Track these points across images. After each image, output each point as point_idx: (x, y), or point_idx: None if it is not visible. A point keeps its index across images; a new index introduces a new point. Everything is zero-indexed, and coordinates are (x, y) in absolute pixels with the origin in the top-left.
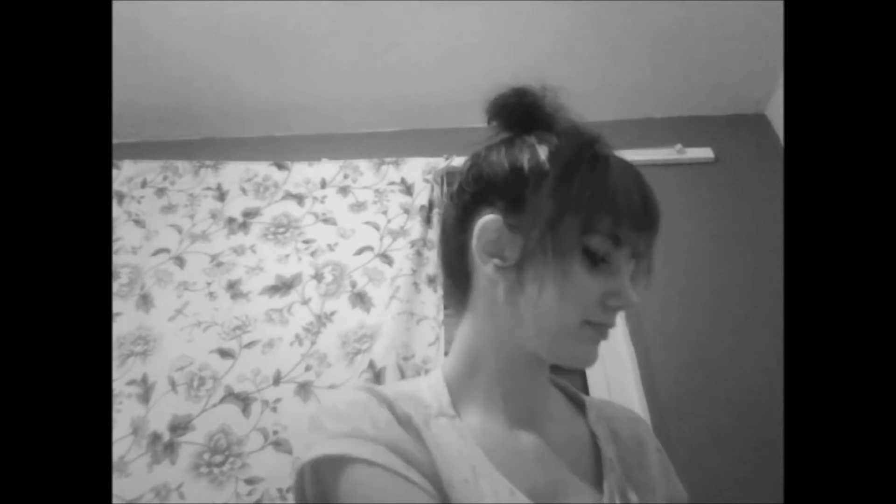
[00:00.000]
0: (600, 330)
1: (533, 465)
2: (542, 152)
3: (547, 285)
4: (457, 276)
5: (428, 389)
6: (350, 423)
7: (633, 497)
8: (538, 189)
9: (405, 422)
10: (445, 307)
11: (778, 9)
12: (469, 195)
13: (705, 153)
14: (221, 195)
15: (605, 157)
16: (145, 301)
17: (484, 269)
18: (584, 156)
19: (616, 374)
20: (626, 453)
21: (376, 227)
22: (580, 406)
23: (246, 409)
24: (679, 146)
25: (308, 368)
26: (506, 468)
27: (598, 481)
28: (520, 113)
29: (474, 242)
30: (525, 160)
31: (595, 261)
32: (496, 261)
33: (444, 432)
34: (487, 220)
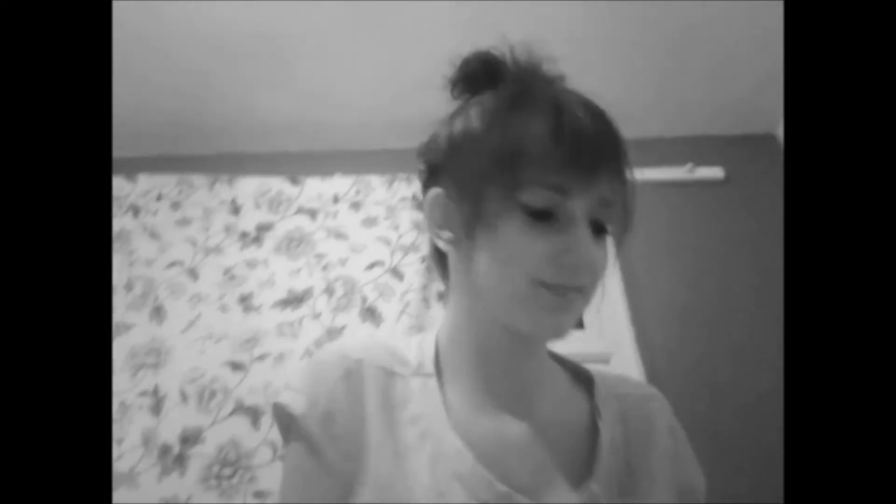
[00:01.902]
0: (560, 293)
1: (515, 454)
2: (475, 112)
3: (486, 251)
4: (434, 254)
5: (416, 347)
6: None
7: (628, 483)
8: (467, 153)
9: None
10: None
11: None
12: (422, 173)
13: (716, 173)
14: (236, 209)
15: (532, 99)
16: (158, 313)
17: (441, 244)
18: (507, 103)
19: None
20: (632, 435)
21: (387, 243)
22: (587, 382)
23: (255, 422)
24: (690, 165)
25: None
26: (482, 453)
27: (590, 467)
28: (481, 76)
29: (425, 219)
30: (459, 126)
31: (540, 216)
32: (448, 234)
33: (411, 392)
34: (431, 196)
